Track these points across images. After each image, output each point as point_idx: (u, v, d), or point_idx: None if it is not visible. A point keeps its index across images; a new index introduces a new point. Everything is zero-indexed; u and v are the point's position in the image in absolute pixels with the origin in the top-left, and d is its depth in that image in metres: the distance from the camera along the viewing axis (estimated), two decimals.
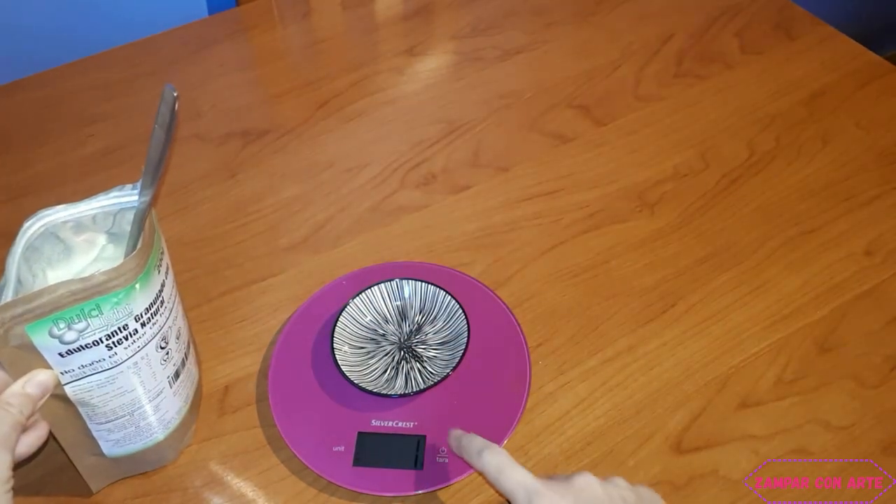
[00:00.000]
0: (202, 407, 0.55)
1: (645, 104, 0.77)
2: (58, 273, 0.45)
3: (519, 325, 0.58)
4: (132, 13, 0.88)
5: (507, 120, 0.76)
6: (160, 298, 0.45)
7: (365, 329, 0.58)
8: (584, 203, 0.69)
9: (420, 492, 0.50)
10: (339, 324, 0.56)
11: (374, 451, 0.52)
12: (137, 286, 0.42)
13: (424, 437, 0.52)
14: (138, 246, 0.42)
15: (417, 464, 0.51)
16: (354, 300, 0.58)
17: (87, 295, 0.39)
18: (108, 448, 0.48)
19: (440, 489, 0.51)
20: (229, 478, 0.52)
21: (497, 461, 0.43)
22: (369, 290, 0.58)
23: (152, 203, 0.43)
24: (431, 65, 0.83)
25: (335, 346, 0.55)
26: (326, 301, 0.60)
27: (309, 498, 0.51)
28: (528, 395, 0.54)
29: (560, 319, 0.60)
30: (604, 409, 0.55)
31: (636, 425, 0.54)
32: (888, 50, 1.74)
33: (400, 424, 0.53)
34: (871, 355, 0.58)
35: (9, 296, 0.41)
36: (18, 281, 0.42)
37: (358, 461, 0.51)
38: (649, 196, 0.69)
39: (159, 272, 0.44)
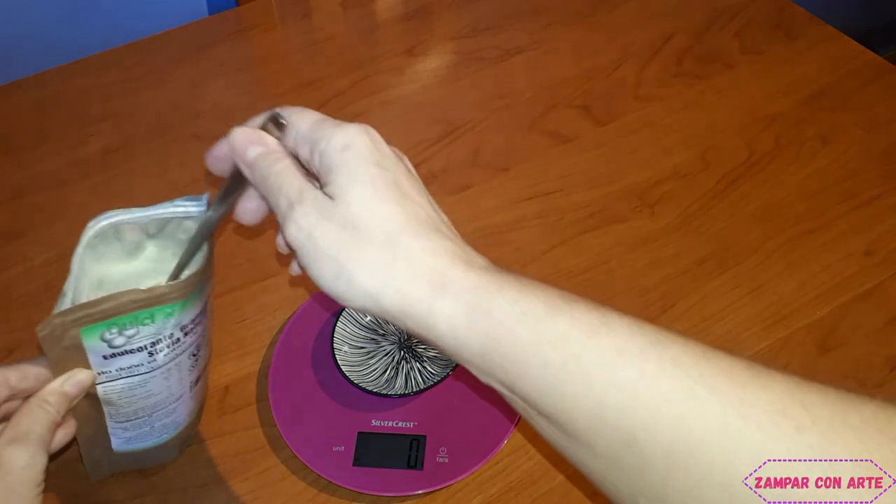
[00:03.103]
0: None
1: (645, 104, 0.77)
2: (106, 269, 0.46)
3: None
4: (132, 13, 0.88)
5: (507, 120, 0.76)
6: (204, 309, 0.45)
7: (365, 329, 0.58)
8: (584, 203, 0.69)
9: (420, 492, 0.50)
10: (339, 324, 0.56)
11: (374, 451, 0.52)
12: (191, 298, 0.42)
13: (424, 437, 0.52)
14: (204, 261, 0.42)
15: (417, 464, 0.51)
16: None
17: (146, 304, 0.40)
18: (117, 444, 0.48)
19: (440, 489, 0.51)
20: (229, 477, 0.52)
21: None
22: None
23: (223, 218, 0.42)
24: (431, 65, 0.83)
25: (335, 346, 0.55)
26: (326, 301, 0.60)
27: (309, 498, 0.51)
28: None
29: None
30: None
31: None
32: (888, 50, 1.74)
33: (400, 424, 0.53)
34: (871, 355, 0.58)
35: (67, 298, 0.42)
36: (76, 280, 0.44)
37: (358, 461, 0.51)
38: (649, 196, 0.69)
39: (209, 284, 0.45)
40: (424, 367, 0.56)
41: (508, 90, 0.79)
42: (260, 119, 0.38)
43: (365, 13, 0.89)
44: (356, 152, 0.35)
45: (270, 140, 0.37)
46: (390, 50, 0.84)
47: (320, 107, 0.77)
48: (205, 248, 0.43)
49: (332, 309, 0.58)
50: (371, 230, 0.33)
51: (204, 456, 0.53)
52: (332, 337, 0.56)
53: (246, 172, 0.37)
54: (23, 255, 0.65)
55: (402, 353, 0.57)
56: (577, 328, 0.31)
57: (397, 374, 0.55)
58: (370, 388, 0.53)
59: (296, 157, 0.37)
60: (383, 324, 0.58)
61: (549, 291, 0.33)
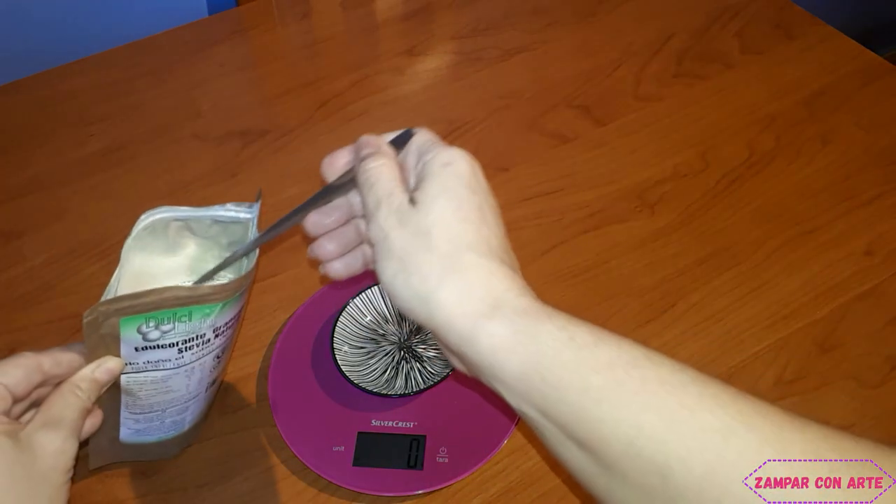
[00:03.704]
0: None
1: (645, 104, 0.77)
2: (147, 260, 0.47)
3: None
4: (132, 13, 0.88)
5: (507, 120, 0.76)
6: (238, 314, 0.46)
7: (365, 329, 0.58)
8: (584, 203, 0.69)
9: (420, 492, 0.50)
10: (339, 324, 0.56)
11: (374, 451, 0.52)
12: (230, 302, 0.43)
13: (424, 437, 0.52)
14: (249, 267, 0.43)
15: (417, 464, 0.51)
16: (354, 300, 0.58)
17: (187, 302, 0.41)
18: (125, 434, 0.49)
19: (440, 489, 0.51)
20: (229, 477, 0.52)
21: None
22: (369, 289, 0.58)
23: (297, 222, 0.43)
24: (431, 65, 0.83)
25: (335, 346, 0.55)
26: (326, 301, 0.60)
27: (309, 498, 0.51)
28: None
29: None
30: None
31: None
32: (888, 50, 1.74)
33: (400, 424, 0.53)
34: (871, 355, 0.58)
35: (113, 288, 0.43)
36: (121, 269, 0.45)
37: (358, 461, 0.51)
38: (649, 196, 0.69)
39: (248, 292, 0.46)
40: (424, 367, 0.56)
41: (508, 90, 0.79)
42: (391, 134, 0.40)
43: (365, 13, 0.89)
44: (454, 170, 0.36)
45: (386, 147, 0.39)
46: (390, 50, 0.84)
47: (320, 107, 0.78)
48: (255, 254, 0.44)
49: (333, 309, 0.58)
50: (439, 240, 0.35)
51: (204, 456, 0.53)
52: (332, 337, 0.56)
53: (356, 168, 0.39)
54: (23, 255, 0.65)
55: (402, 353, 0.57)
56: (622, 358, 0.32)
57: (397, 374, 0.55)
58: (370, 388, 0.53)
59: (402, 174, 0.39)
60: (383, 324, 0.58)
61: (597, 328, 0.34)
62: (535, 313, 0.34)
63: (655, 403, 0.31)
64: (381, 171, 0.37)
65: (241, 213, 0.47)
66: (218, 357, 0.47)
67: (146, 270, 0.47)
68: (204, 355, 0.45)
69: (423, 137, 0.39)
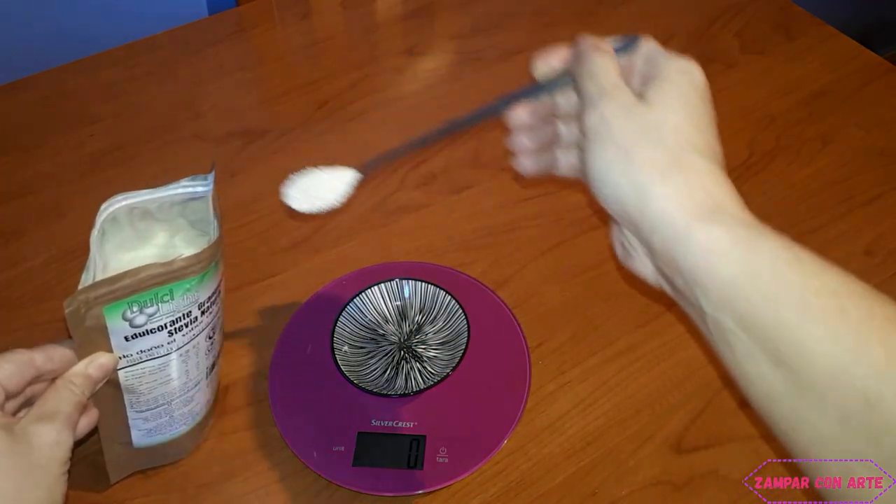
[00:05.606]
0: None
1: None
2: (119, 256, 0.47)
3: (519, 325, 0.58)
4: (132, 13, 0.88)
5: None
6: (218, 289, 0.46)
7: (365, 329, 0.58)
8: (584, 203, 0.68)
9: (420, 492, 0.50)
10: (339, 324, 0.56)
11: (374, 451, 0.52)
12: (208, 274, 0.43)
13: (424, 437, 0.52)
14: (216, 234, 0.44)
15: (417, 464, 0.51)
16: (354, 300, 0.58)
17: (165, 279, 0.41)
18: (137, 437, 0.49)
19: (440, 489, 0.51)
20: (229, 478, 0.52)
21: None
22: (369, 290, 0.58)
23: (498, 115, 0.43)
24: (431, 65, 0.83)
25: (335, 346, 0.55)
26: (326, 301, 0.60)
27: (309, 498, 0.51)
28: (528, 395, 0.54)
29: (560, 319, 0.60)
30: (604, 409, 0.55)
31: (636, 425, 0.54)
32: (888, 50, 1.74)
33: (400, 424, 0.53)
34: None
35: (90, 275, 0.43)
36: (95, 261, 0.45)
37: (358, 461, 0.51)
38: None
39: (221, 262, 0.46)
40: (424, 367, 0.56)
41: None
42: (614, 39, 0.40)
43: (365, 13, 0.89)
44: (692, 79, 0.37)
45: (608, 46, 0.39)
46: (390, 50, 0.84)
47: (320, 107, 0.78)
48: (215, 223, 0.44)
49: (333, 309, 0.58)
50: (668, 136, 0.35)
51: (204, 456, 0.53)
52: (332, 337, 0.56)
53: (577, 59, 0.39)
54: (23, 255, 0.65)
55: (402, 353, 0.57)
56: (849, 287, 0.32)
57: (397, 374, 0.55)
58: (370, 388, 0.53)
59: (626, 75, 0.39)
60: (383, 324, 0.58)
61: (822, 258, 0.33)
62: (757, 227, 0.33)
63: (880, 336, 0.30)
64: (606, 63, 0.37)
65: (197, 188, 0.47)
66: (210, 337, 0.47)
67: (120, 266, 0.46)
68: (195, 335, 0.45)
69: (652, 45, 0.39)
